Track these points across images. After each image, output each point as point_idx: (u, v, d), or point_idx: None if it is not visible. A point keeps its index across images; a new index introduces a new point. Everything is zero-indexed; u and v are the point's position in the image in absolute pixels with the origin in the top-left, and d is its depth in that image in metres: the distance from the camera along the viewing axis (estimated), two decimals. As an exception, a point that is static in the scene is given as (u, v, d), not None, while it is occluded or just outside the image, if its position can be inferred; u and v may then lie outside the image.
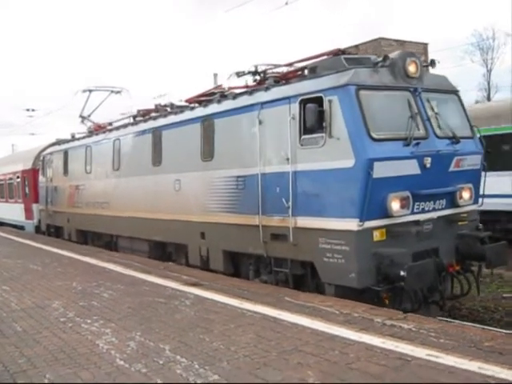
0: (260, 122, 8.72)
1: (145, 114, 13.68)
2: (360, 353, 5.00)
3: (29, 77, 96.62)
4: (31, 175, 21.37)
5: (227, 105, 9.74)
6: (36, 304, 7.86)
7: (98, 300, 7.93)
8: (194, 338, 5.78)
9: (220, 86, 10.80)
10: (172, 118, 11.51)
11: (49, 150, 19.46)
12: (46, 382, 4.67)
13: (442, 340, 5.29)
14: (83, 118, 18.13)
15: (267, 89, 8.90)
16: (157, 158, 11.85)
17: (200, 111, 10.50)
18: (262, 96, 8.87)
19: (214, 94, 10.82)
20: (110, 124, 16.17)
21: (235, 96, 9.72)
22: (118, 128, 14.39)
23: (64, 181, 17.41)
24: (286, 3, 14.94)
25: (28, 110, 36.22)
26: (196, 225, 10.39)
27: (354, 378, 4.42)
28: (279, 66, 9.87)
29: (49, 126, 65.37)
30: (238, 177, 9.27)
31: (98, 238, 15.58)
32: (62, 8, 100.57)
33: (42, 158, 19.95)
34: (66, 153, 17.45)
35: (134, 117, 14.28)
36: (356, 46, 25.07)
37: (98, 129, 16.60)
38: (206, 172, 10.11)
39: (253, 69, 9.93)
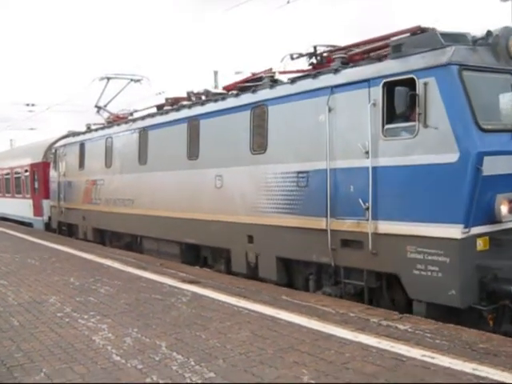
0: (330, 109, 7.49)
1: (173, 103, 12.42)
2: (355, 352, 5.02)
3: (28, 73, 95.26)
4: (41, 169, 20.02)
5: (284, 90, 8.48)
6: (33, 299, 7.85)
7: (95, 296, 7.93)
8: (190, 335, 5.80)
9: (269, 69, 9.53)
10: (212, 106, 10.23)
11: (62, 142, 18.11)
12: (43, 375, 4.72)
13: (438, 341, 5.29)
14: (99, 108, 16.90)
15: (337, 71, 7.66)
16: (193, 151, 10.57)
17: (248, 97, 9.22)
18: (331, 79, 7.63)
19: (260, 79, 9.59)
20: (131, 114, 14.89)
21: (294, 80, 8.47)
22: (143, 117, 13.07)
23: (80, 175, 16.09)
24: (288, 2, 13.75)
25: (28, 104, 35.07)
26: (242, 227, 9.14)
27: (349, 377, 4.44)
28: (339, 47, 8.66)
29: (49, 121, 64.00)
30: (299, 172, 8.02)
31: (118, 238, 14.32)
32: (62, 5, 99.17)
33: (54, 150, 18.61)
34: (82, 145, 16.13)
35: (160, 106, 13.03)
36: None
37: (118, 119, 15.34)
38: (257, 166, 8.84)
39: (311, 50, 8.73)
